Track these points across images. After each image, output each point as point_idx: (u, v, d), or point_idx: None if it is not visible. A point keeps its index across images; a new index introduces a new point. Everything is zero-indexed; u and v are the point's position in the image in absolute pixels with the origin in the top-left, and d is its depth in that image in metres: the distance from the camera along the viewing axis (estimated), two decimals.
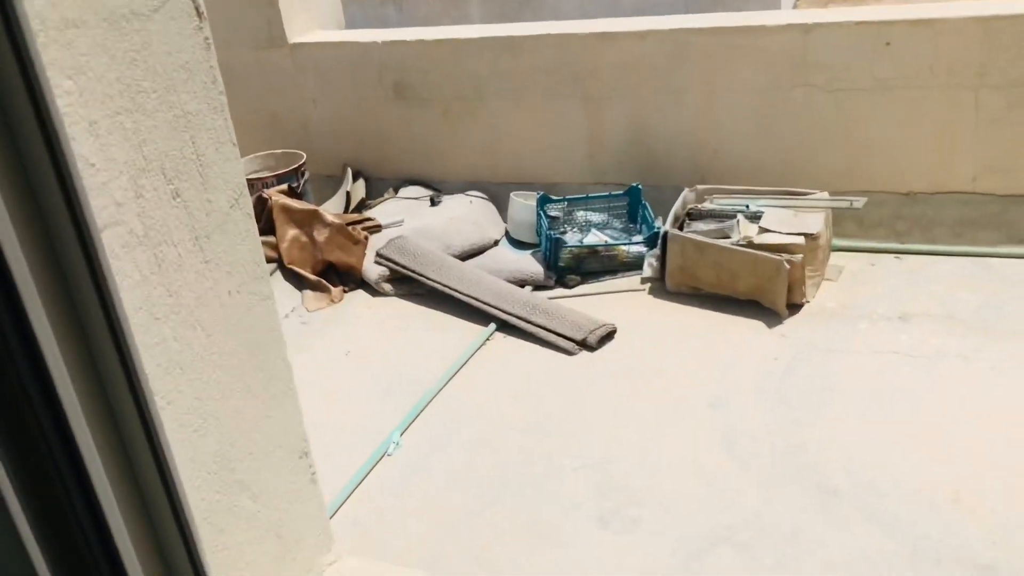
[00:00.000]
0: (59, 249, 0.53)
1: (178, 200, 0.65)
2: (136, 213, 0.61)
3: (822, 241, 3.48)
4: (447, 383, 3.20)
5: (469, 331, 3.54)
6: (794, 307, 3.40)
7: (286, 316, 3.83)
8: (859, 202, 3.58)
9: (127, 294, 0.58)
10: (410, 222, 4.23)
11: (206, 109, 0.67)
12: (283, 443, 0.77)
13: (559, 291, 3.81)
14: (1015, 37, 3.43)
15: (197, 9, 0.65)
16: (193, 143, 0.66)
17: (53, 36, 0.53)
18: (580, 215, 4.20)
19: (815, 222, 3.48)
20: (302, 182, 4.36)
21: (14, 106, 0.47)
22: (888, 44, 3.62)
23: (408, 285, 3.90)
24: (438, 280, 3.78)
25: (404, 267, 3.87)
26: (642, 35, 3.93)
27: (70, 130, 0.54)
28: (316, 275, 4.00)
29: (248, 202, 0.72)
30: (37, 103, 0.48)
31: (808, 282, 3.42)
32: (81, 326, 0.54)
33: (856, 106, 3.75)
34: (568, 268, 3.88)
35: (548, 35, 4.08)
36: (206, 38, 0.68)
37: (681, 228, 3.72)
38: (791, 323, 3.33)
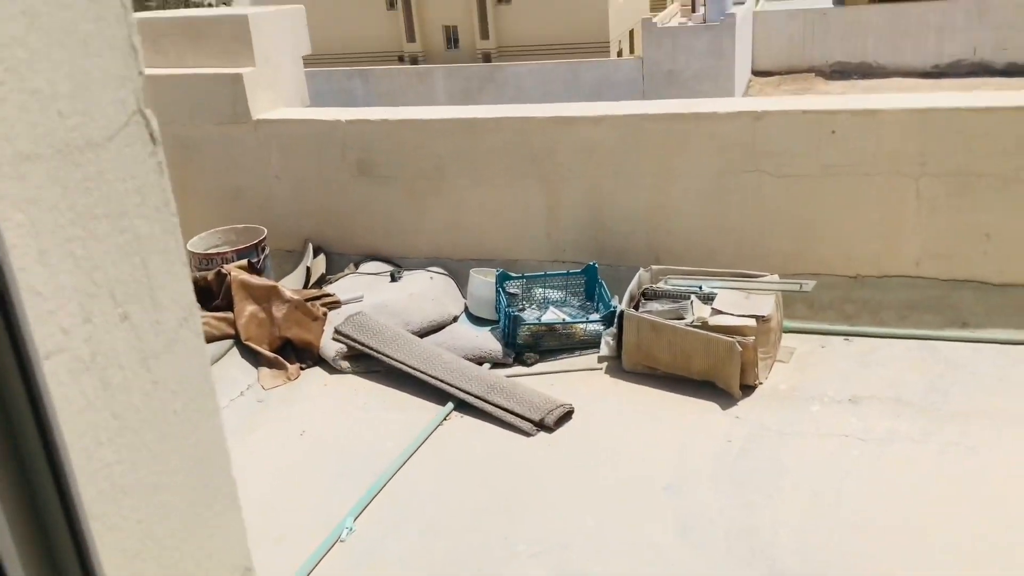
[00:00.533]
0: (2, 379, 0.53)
1: (127, 323, 0.65)
2: (83, 339, 0.61)
3: (773, 323, 3.55)
4: (403, 465, 3.16)
5: (427, 410, 3.52)
6: (747, 388, 3.44)
7: (241, 394, 3.78)
8: (808, 285, 3.67)
9: (72, 420, 0.58)
10: (370, 298, 4.23)
11: (159, 231, 0.68)
12: (226, 560, 0.76)
13: (518, 369, 3.82)
14: (950, 129, 3.60)
15: (152, 135, 0.67)
16: (144, 266, 0.67)
17: (7, 171, 0.54)
18: (539, 292, 4.24)
19: (766, 304, 3.56)
20: (262, 257, 4.36)
21: None
22: (833, 132, 3.77)
23: (366, 362, 3.89)
24: (396, 357, 3.77)
25: (362, 344, 3.86)
26: (598, 120, 4.05)
27: (19, 261, 0.54)
28: (273, 352, 3.97)
29: (198, 320, 0.73)
30: None
31: (760, 363, 3.47)
32: (19, 457, 0.54)
33: (804, 191, 3.88)
34: (526, 346, 3.90)
35: (508, 118, 4.18)
36: (159, 162, 0.69)
37: (637, 307, 3.77)
38: (744, 404, 3.37)
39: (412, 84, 26.70)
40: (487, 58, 32.64)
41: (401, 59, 33.74)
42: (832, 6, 29.71)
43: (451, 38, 34.22)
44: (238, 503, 0.77)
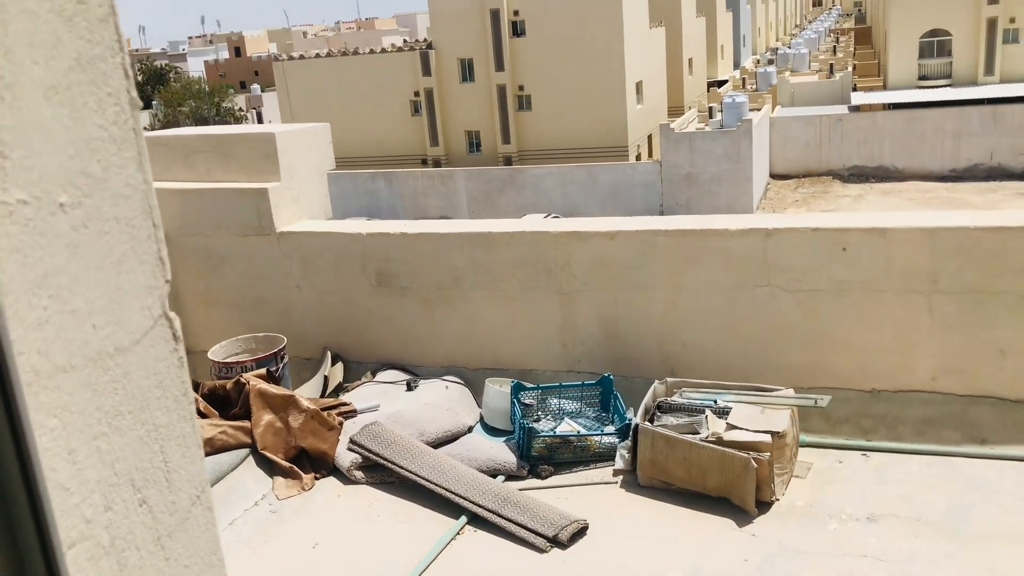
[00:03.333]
0: (27, 568, 0.58)
1: (144, 507, 0.71)
2: (104, 526, 0.67)
3: (789, 439, 3.54)
4: None
5: (439, 523, 3.50)
6: (764, 505, 3.41)
7: (255, 504, 3.78)
8: (823, 400, 3.67)
9: None
10: (386, 407, 4.26)
11: (176, 419, 0.74)
12: None
13: (532, 481, 3.81)
14: (959, 248, 3.65)
15: (175, 335, 0.74)
16: (162, 452, 0.72)
17: (45, 383, 0.61)
18: (554, 403, 4.26)
19: (781, 420, 3.55)
20: (281, 366, 4.42)
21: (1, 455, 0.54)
22: (844, 249, 3.84)
23: (380, 472, 3.89)
24: (410, 469, 3.77)
25: (377, 455, 3.87)
26: (611, 235, 4.15)
27: (50, 462, 0.60)
28: (289, 461, 3.98)
29: (209, 496, 0.78)
30: (19, 444, 0.55)
31: (777, 480, 3.44)
32: None
33: (817, 306, 3.92)
34: (541, 458, 3.89)
35: (523, 232, 4.30)
36: (180, 357, 0.76)
37: (651, 421, 3.77)
38: (761, 522, 3.33)
39: (435, 186, 27.36)
40: (508, 161, 33.48)
41: (424, 162, 34.68)
42: (847, 112, 30.36)
43: (473, 142, 35.22)
44: None
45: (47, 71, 0.56)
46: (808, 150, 29.19)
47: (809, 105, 32.81)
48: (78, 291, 0.63)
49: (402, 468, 3.79)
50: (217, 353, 4.44)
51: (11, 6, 0.53)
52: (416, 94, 35.11)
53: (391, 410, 4.22)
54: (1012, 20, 32.31)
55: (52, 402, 0.62)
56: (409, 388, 4.47)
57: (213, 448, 3.87)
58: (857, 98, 32.59)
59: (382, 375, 4.65)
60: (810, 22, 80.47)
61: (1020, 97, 29.49)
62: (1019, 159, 27.51)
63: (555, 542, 3.30)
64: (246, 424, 4.05)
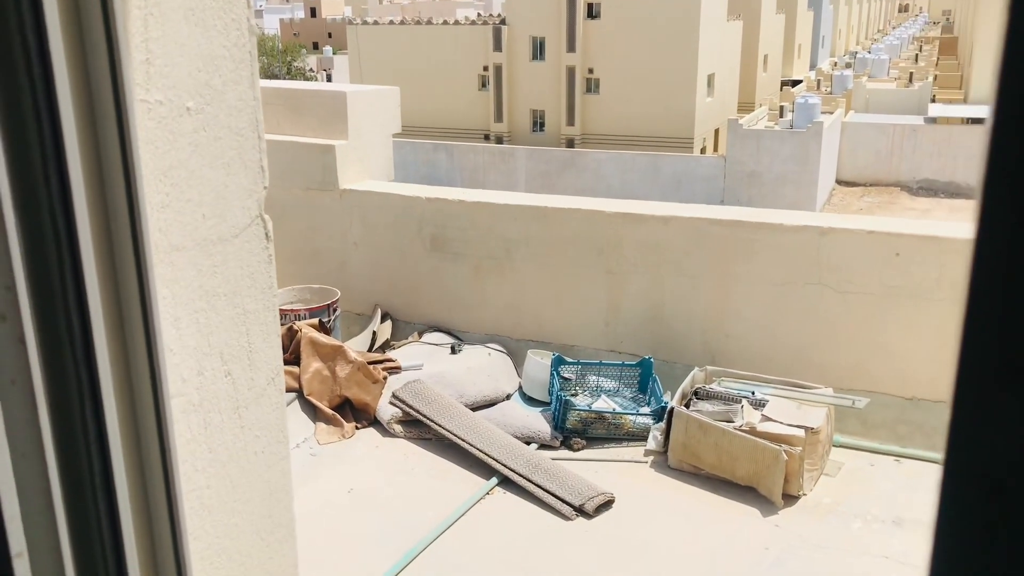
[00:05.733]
0: (140, 414, 0.69)
1: (228, 378, 0.81)
2: (196, 387, 0.77)
3: (822, 436, 3.57)
4: (441, 534, 3.26)
5: (471, 482, 3.62)
6: (790, 498, 3.45)
7: (297, 446, 3.94)
8: (861, 402, 3.69)
9: (179, 450, 0.73)
10: (429, 367, 4.39)
11: (262, 308, 0.85)
12: None
13: (563, 452, 3.90)
14: None
15: (267, 234, 0.84)
16: (247, 334, 0.83)
17: (162, 258, 0.71)
18: (592, 379, 4.34)
19: (817, 416, 3.59)
20: (333, 318, 4.57)
21: (131, 309, 0.64)
22: (898, 255, 3.83)
23: (418, 428, 4.02)
24: (447, 428, 3.90)
25: (417, 411, 4.00)
26: (665, 220, 4.19)
27: (159, 325, 0.71)
28: (332, 409, 4.14)
29: (282, 379, 0.88)
30: (145, 306, 0.65)
31: (806, 475, 3.48)
32: (143, 473, 0.69)
33: (865, 309, 3.92)
34: (574, 431, 3.98)
35: (578, 209, 4.37)
36: (270, 255, 0.86)
37: (688, 406, 3.83)
38: (785, 514, 3.38)
39: (495, 162, 27.48)
40: (570, 143, 33.42)
41: (487, 137, 34.80)
42: (923, 123, 29.60)
43: (537, 121, 35.22)
44: (294, 536, 0.91)
45: None
46: (878, 159, 28.55)
47: (884, 113, 32.04)
48: (194, 184, 0.73)
49: (440, 426, 3.91)
50: None
51: None
52: (485, 69, 35.18)
53: (434, 370, 4.34)
54: None
55: (165, 274, 0.72)
56: (453, 351, 4.59)
57: None
58: (935, 110, 31.69)
59: (428, 336, 4.78)
60: (894, 28, 78.28)
61: None
62: None
63: (581, 511, 3.39)
64: (294, 370, 4.22)
